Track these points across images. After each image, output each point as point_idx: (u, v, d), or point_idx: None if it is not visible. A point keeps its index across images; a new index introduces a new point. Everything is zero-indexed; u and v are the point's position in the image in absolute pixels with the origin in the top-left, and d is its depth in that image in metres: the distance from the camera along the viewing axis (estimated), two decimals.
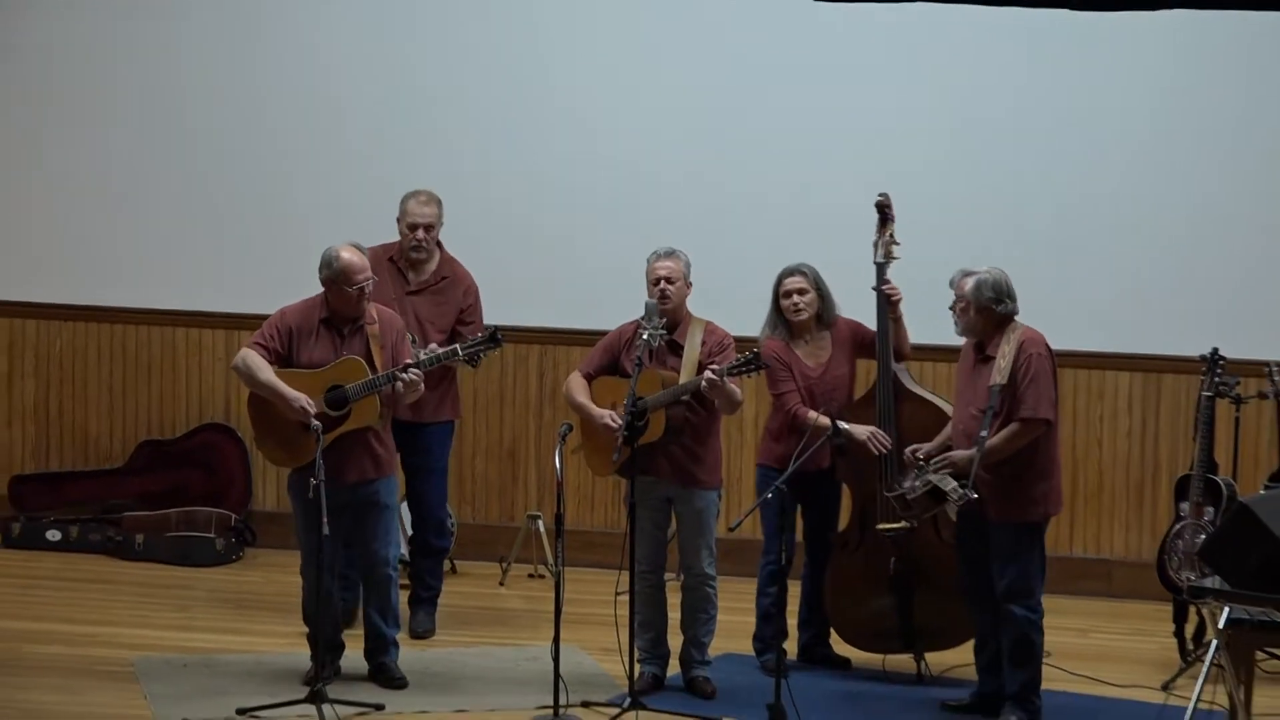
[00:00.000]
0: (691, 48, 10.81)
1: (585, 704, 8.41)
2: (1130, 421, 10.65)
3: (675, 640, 8.84)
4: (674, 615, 8.84)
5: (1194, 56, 10.48)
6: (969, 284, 8.28)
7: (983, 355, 8.30)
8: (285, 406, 8.46)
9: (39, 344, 11.35)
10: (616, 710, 8.32)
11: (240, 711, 8.25)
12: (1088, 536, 10.70)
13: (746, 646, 9.19)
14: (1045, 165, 10.60)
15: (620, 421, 8.46)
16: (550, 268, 10.89)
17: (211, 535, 10.90)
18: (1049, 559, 8.41)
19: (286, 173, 11.08)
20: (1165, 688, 8.89)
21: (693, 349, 8.65)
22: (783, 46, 10.71)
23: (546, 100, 10.93)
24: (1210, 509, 9.08)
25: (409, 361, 8.47)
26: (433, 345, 9.00)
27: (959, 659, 8.91)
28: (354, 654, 8.83)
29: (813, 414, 8.80)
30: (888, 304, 8.92)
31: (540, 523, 10.70)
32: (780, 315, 9.00)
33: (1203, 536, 8.88)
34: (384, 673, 8.74)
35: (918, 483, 8.28)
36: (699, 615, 8.75)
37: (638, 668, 8.54)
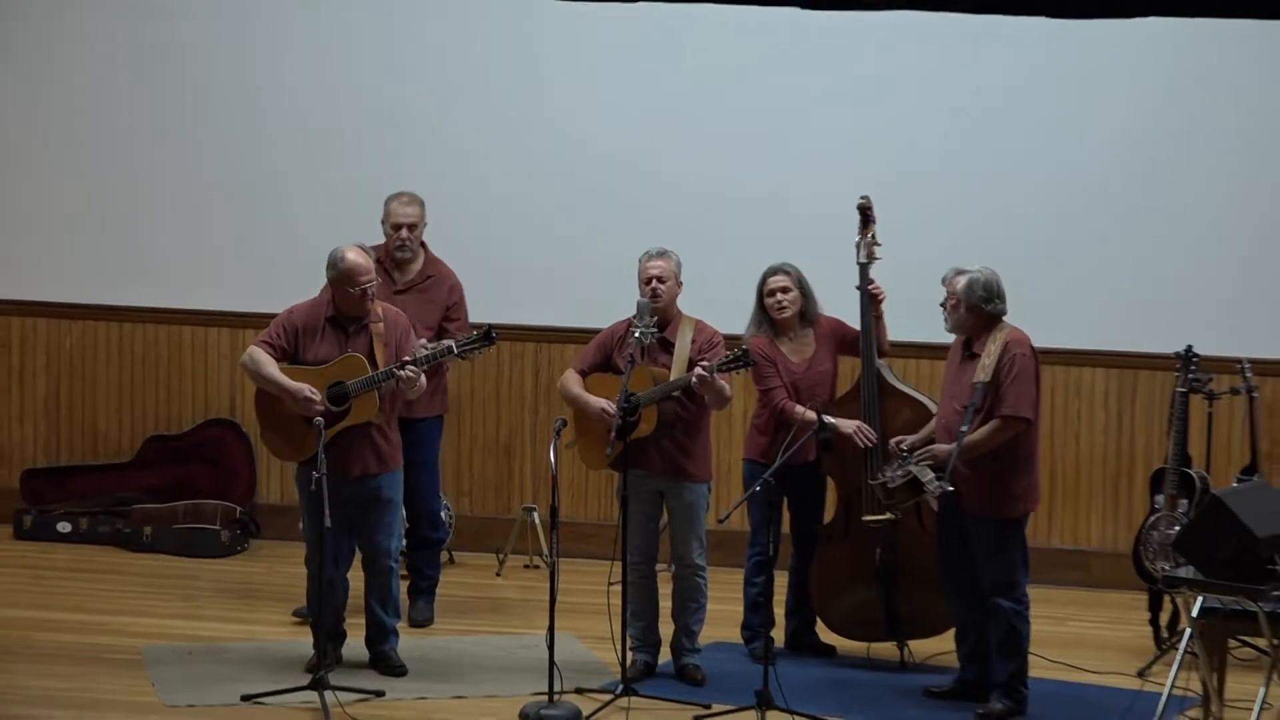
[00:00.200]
0: (685, 52, 10.79)
1: (579, 690, 8.41)
2: (1107, 416, 10.66)
3: (666, 629, 8.84)
4: (665, 604, 8.84)
5: (1172, 62, 10.47)
6: (961, 282, 8.29)
7: (970, 353, 8.31)
8: (290, 399, 8.47)
9: (50, 343, 11.35)
10: (609, 696, 8.32)
11: (245, 698, 8.25)
12: (1065, 528, 10.70)
13: (735, 635, 9.20)
14: (1026, 169, 10.59)
15: (615, 409, 8.47)
16: (546, 268, 10.89)
17: (217, 527, 10.90)
18: (1028, 550, 8.43)
19: (288, 176, 11.05)
20: (1141, 674, 8.91)
21: (683, 346, 8.65)
22: (771, 50, 10.70)
23: (544, 105, 10.91)
24: (1184, 501, 9.09)
25: (406, 359, 8.48)
26: (422, 341, 9.01)
27: (941, 646, 8.92)
28: (355, 642, 8.83)
29: (799, 409, 8.81)
30: (871, 302, 8.94)
31: (535, 515, 10.70)
32: (764, 313, 9.01)
33: (1177, 528, 8.89)
34: (384, 660, 8.74)
35: (899, 472, 8.33)
36: (689, 604, 8.76)
37: (630, 655, 8.54)
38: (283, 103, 11.09)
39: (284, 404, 8.52)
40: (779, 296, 8.97)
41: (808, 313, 9.03)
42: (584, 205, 10.88)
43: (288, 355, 8.58)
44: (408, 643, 8.94)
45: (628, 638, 8.51)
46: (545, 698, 8.19)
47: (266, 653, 8.96)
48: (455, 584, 10.24)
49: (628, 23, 10.76)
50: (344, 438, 8.48)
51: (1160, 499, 9.16)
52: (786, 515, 9.12)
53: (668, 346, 8.68)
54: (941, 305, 8.39)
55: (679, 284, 8.74)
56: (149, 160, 11.18)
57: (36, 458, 11.36)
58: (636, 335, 8.52)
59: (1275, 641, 7.49)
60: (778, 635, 9.00)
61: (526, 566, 10.75)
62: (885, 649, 9.07)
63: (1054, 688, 8.68)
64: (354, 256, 8.52)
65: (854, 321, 9.01)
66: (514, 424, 11.07)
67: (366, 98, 11.02)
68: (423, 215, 9.52)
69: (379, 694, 8.38)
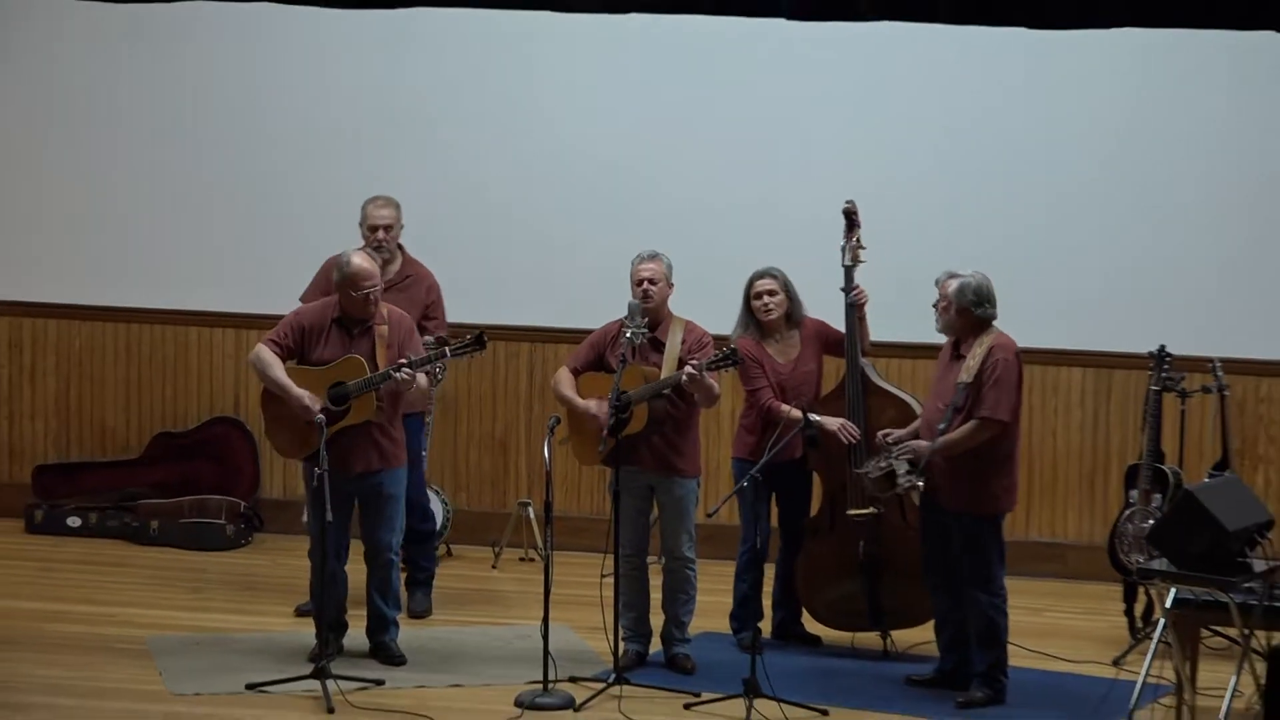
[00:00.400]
0: (677, 61, 10.76)
1: (573, 679, 8.42)
2: (1083, 414, 10.68)
3: (657, 620, 8.86)
4: (656, 596, 8.87)
5: (1151, 69, 10.46)
6: (953, 285, 8.32)
7: (958, 354, 8.34)
8: (290, 404, 8.52)
9: (59, 343, 11.34)
10: (602, 685, 8.34)
11: (249, 686, 8.27)
12: (1043, 522, 10.71)
13: (724, 625, 9.21)
14: (1006, 176, 10.58)
15: (602, 409, 8.50)
16: (541, 270, 10.88)
17: (222, 522, 10.90)
18: (1007, 543, 8.45)
19: (288, 176, 11.01)
20: (1116, 663, 8.93)
21: (673, 346, 8.67)
22: (761, 58, 10.69)
23: (540, 111, 10.88)
24: (1158, 496, 9.11)
25: (401, 360, 8.51)
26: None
27: (922, 636, 8.94)
28: (356, 633, 8.85)
29: (785, 407, 8.84)
30: (855, 304, 8.97)
31: (530, 509, 10.72)
32: (751, 315, 9.03)
33: (1151, 522, 8.90)
34: (384, 650, 8.76)
35: (881, 464, 8.37)
36: (679, 596, 8.78)
37: (622, 645, 8.56)
38: (283, 103, 11.04)
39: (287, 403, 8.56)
40: (765, 299, 9.00)
41: (793, 315, 9.06)
42: (578, 209, 10.88)
43: (294, 354, 8.62)
44: (407, 633, 8.95)
45: (620, 628, 8.55)
46: (540, 686, 8.22)
47: (270, 643, 8.97)
48: (452, 576, 10.26)
49: (621, 32, 10.72)
50: (346, 435, 8.51)
51: (1135, 494, 9.18)
52: (775, 510, 9.15)
53: (658, 346, 8.70)
54: (934, 306, 8.42)
55: (670, 286, 8.76)
56: (149, 160, 11.13)
57: (47, 454, 11.35)
58: (628, 335, 8.54)
59: (1245, 631, 7.52)
60: (765, 626, 9.04)
61: (522, 559, 10.77)
62: (869, 639, 9.09)
63: (1032, 676, 8.70)
64: (359, 262, 8.57)
65: (838, 323, 9.03)
66: (509, 421, 11.08)
67: (366, 98, 10.98)
68: (399, 217, 9.52)
69: (379, 683, 8.40)
